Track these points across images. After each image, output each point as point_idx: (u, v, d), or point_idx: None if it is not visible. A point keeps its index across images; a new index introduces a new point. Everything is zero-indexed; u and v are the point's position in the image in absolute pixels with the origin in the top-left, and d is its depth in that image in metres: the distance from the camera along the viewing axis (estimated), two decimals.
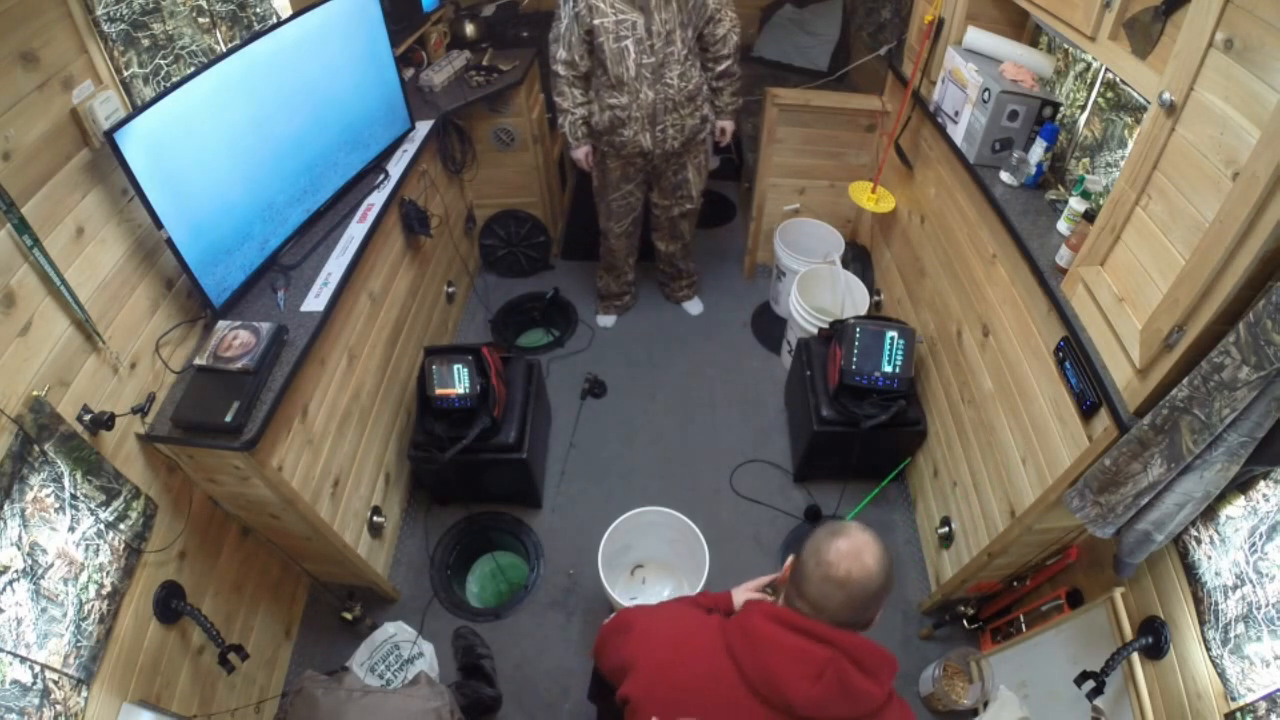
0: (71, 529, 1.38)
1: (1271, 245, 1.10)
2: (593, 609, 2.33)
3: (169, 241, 1.60)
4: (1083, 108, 1.97)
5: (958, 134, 2.21)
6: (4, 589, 1.22)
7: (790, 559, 1.14)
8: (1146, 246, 1.40)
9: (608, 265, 3.10)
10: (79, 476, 1.41)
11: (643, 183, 2.75)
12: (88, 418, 1.44)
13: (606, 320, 3.27)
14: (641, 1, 2.25)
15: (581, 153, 2.62)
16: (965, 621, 2.18)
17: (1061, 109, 2.04)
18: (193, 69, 1.70)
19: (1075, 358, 1.60)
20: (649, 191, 2.82)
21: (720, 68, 2.51)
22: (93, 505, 1.44)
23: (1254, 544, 1.30)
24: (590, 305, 3.31)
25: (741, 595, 1.45)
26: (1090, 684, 1.52)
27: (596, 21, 2.27)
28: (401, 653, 2.20)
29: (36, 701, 1.24)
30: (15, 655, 1.22)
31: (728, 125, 2.69)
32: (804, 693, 1.00)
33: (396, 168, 2.40)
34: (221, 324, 1.75)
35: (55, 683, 1.29)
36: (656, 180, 2.75)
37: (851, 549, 1.04)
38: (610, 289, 3.19)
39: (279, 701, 2.08)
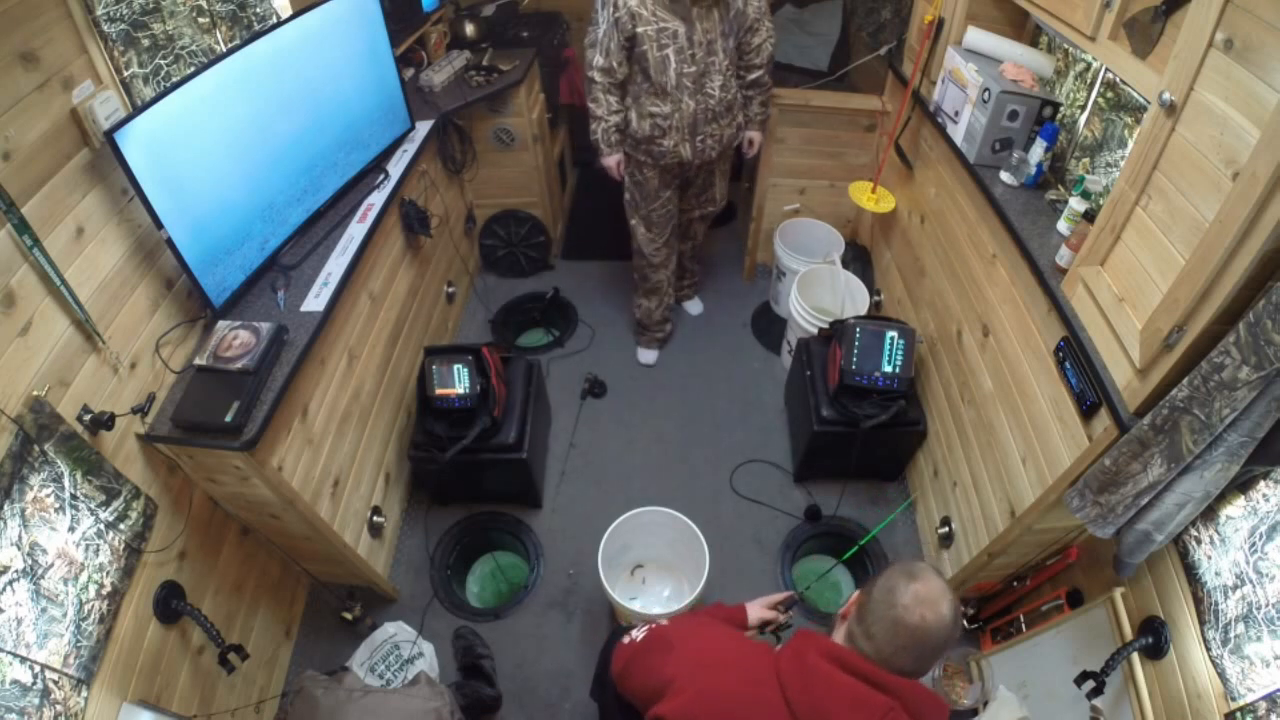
0: (71, 529, 1.38)
1: (1271, 245, 1.10)
2: (593, 609, 2.33)
3: (169, 241, 1.61)
4: (1083, 108, 1.97)
5: (958, 134, 2.21)
6: (4, 589, 1.22)
7: (856, 594, 1.11)
8: (1146, 246, 1.40)
9: (651, 288, 2.89)
10: (79, 476, 1.41)
11: (678, 188, 2.68)
12: (88, 418, 1.44)
13: (649, 356, 3.06)
14: (683, 10, 2.19)
15: (613, 160, 2.52)
16: (965, 621, 2.18)
17: (1061, 109, 2.04)
18: (193, 69, 1.70)
19: (1075, 358, 1.60)
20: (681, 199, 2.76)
21: (752, 76, 2.45)
22: (93, 505, 1.44)
23: (1254, 544, 1.30)
24: (590, 305, 3.30)
25: (756, 611, 1.45)
26: (1090, 684, 1.52)
27: (639, 29, 2.21)
28: (401, 653, 2.20)
29: (36, 701, 1.24)
30: (15, 655, 1.22)
31: (756, 136, 2.64)
32: None
33: (396, 168, 2.40)
34: (221, 324, 1.75)
35: (55, 683, 1.29)
36: (685, 188, 2.71)
37: (928, 595, 0.99)
38: (653, 317, 2.98)
39: (279, 701, 2.08)
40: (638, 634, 1.26)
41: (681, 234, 2.95)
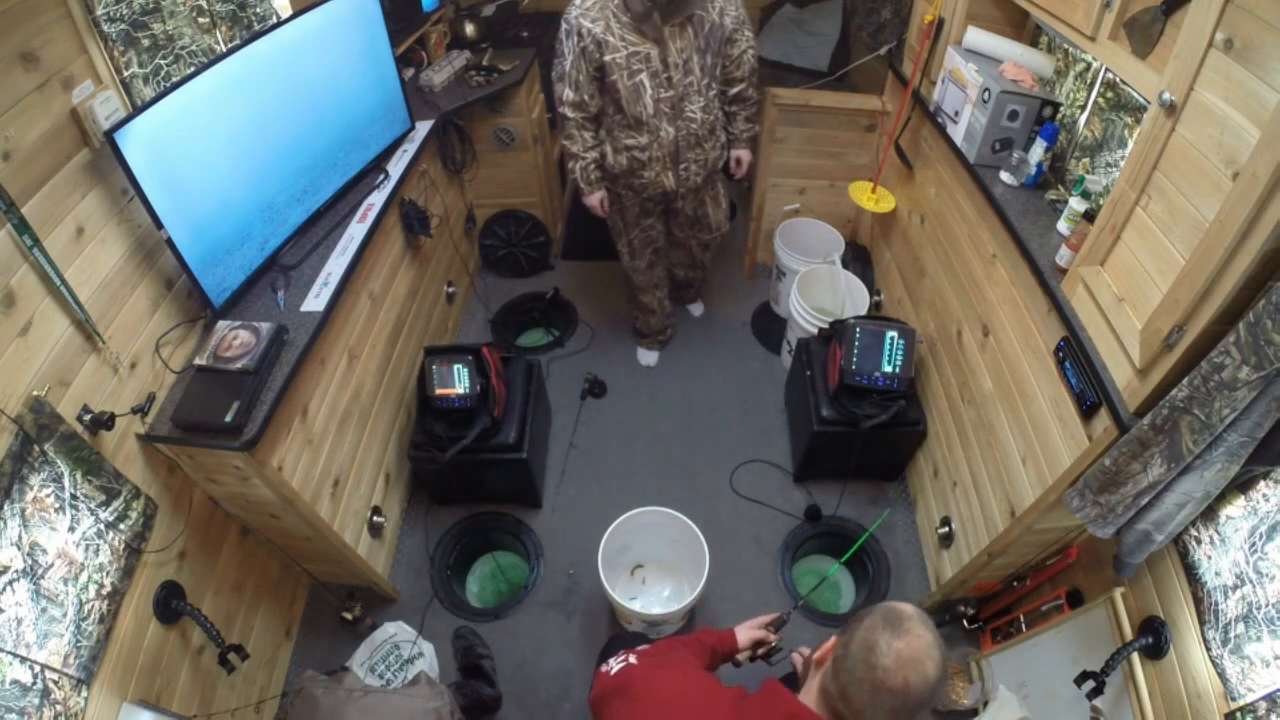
0: (71, 529, 1.38)
1: (1271, 245, 1.10)
2: (593, 609, 2.33)
3: (169, 241, 1.61)
4: (1083, 108, 1.97)
5: (958, 134, 2.21)
6: (4, 589, 1.22)
7: (832, 640, 1.01)
8: (1146, 246, 1.40)
9: (643, 306, 2.91)
10: (79, 476, 1.41)
11: (661, 214, 2.61)
12: (88, 418, 1.44)
13: (649, 358, 3.07)
14: (654, 31, 2.05)
15: (596, 199, 2.42)
16: (965, 621, 2.18)
17: (1061, 109, 2.04)
18: (193, 69, 1.70)
19: (1075, 358, 1.60)
20: (667, 222, 2.69)
21: (734, 91, 2.32)
22: (93, 505, 1.44)
23: (1254, 544, 1.30)
24: (590, 305, 3.30)
25: (745, 634, 1.43)
26: (1090, 684, 1.52)
27: (607, 58, 2.08)
28: (401, 653, 2.20)
29: (36, 701, 1.24)
30: (15, 655, 1.22)
31: (743, 155, 2.50)
32: None
33: (396, 168, 2.40)
34: (221, 324, 1.75)
35: (55, 683, 1.29)
36: (673, 216, 2.63)
37: (913, 655, 0.90)
38: (650, 325, 3.00)
39: (279, 701, 2.08)
40: (615, 664, 1.18)
41: (688, 263, 2.91)
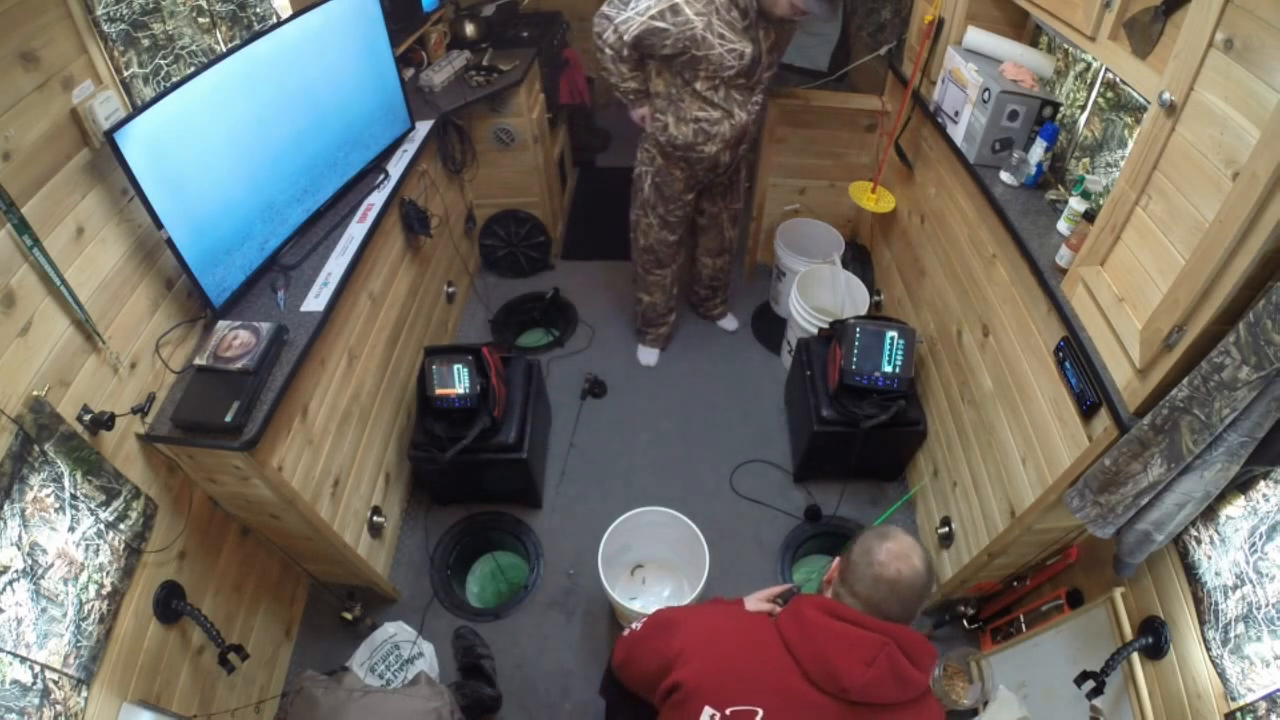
0: (71, 529, 1.38)
1: (1271, 245, 1.10)
2: (593, 609, 2.33)
3: (169, 241, 1.60)
4: (1083, 108, 1.97)
5: (958, 134, 2.21)
6: (4, 589, 1.22)
7: (837, 560, 1.23)
8: (1146, 246, 1.40)
9: (655, 283, 2.84)
10: (79, 476, 1.41)
11: (699, 191, 2.64)
12: (88, 418, 1.44)
13: (649, 357, 3.04)
14: (754, 33, 2.13)
15: (639, 114, 2.40)
16: (965, 621, 2.18)
17: (1061, 109, 2.04)
18: (193, 69, 1.70)
19: (1075, 358, 1.60)
20: (698, 200, 2.70)
21: None
22: (93, 505, 1.44)
23: (1254, 544, 1.30)
24: (590, 305, 3.30)
25: (754, 604, 1.46)
26: (1090, 684, 1.52)
27: (698, 53, 2.12)
28: (401, 653, 2.20)
29: (36, 701, 1.24)
30: (15, 655, 1.22)
31: None
32: (859, 677, 1.06)
33: (396, 168, 2.40)
34: (221, 324, 1.75)
35: (55, 683, 1.29)
36: (709, 188, 2.64)
37: (901, 551, 1.13)
38: (657, 309, 2.94)
39: (279, 701, 2.08)
40: (637, 624, 1.35)
41: (718, 246, 2.89)
